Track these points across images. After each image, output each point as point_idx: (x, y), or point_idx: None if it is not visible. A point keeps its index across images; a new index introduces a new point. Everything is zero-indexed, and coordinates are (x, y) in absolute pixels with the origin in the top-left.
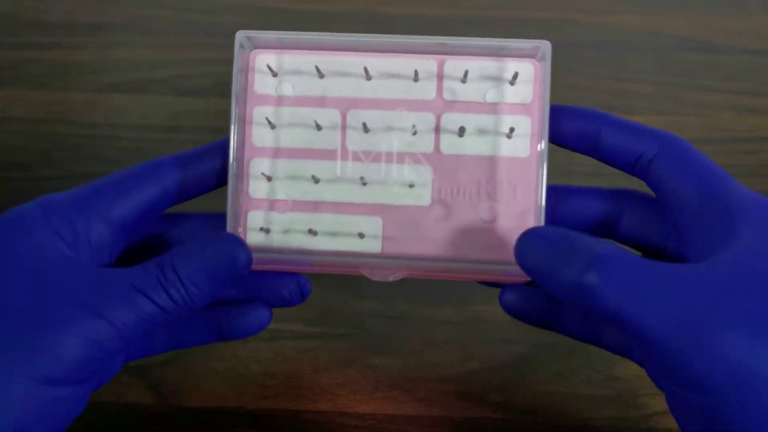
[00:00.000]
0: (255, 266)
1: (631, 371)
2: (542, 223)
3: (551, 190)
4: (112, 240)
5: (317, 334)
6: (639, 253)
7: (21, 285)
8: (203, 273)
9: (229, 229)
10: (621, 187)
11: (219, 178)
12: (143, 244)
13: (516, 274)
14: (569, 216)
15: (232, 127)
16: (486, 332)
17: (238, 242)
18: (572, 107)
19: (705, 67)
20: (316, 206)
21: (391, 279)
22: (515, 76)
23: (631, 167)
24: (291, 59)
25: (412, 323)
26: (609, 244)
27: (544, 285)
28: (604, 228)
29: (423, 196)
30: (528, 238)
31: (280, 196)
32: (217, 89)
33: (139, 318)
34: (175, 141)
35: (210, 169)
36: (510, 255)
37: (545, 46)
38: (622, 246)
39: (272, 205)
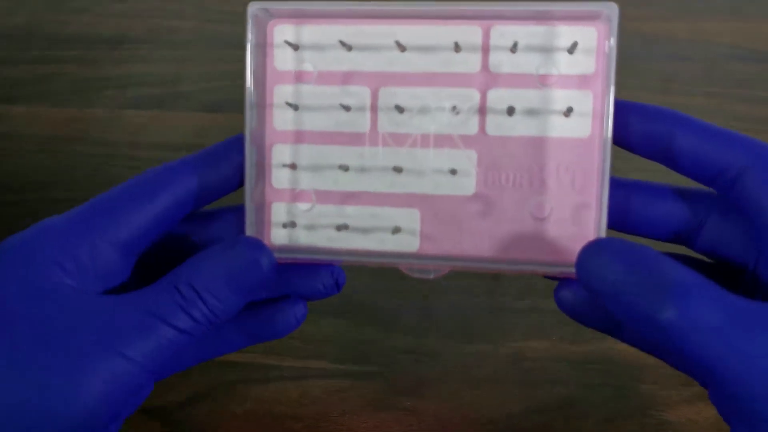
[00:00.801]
0: (281, 260)
1: (686, 415)
2: (604, 219)
3: (616, 184)
4: (122, 262)
5: (345, 373)
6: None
7: (25, 328)
8: (224, 285)
9: (248, 225)
10: (704, 189)
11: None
12: (162, 255)
13: (572, 272)
14: (641, 220)
15: (248, 110)
16: (527, 371)
17: (259, 245)
18: (640, 104)
19: (758, 77)
20: (345, 198)
21: (432, 277)
22: (574, 44)
23: (710, 181)
24: (312, 30)
25: (446, 361)
26: (693, 274)
27: (610, 309)
28: (680, 236)
29: (466, 185)
30: (593, 252)
31: (305, 186)
32: (241, 104)
33: (161, 346)
34: None
35: (233, 167)
36: (564, 256)
37: (611, 8)
38: (701, 260)
39: (297, 196)
